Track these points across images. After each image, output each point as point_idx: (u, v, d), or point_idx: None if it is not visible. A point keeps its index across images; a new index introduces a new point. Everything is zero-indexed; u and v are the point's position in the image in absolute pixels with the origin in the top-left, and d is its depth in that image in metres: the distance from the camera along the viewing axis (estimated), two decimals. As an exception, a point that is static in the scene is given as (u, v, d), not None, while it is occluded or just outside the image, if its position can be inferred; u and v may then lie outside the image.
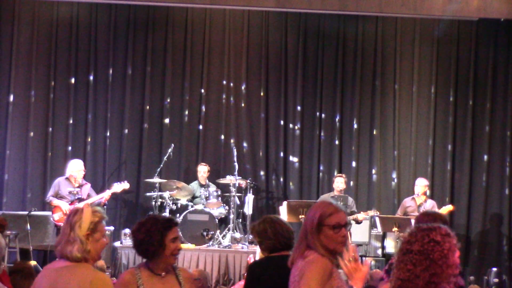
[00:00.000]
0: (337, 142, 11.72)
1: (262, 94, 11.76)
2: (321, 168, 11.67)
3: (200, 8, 11.55)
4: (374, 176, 11.66)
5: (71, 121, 11.48)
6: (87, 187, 9.72)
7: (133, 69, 11.61)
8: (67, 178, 9.63)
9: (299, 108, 11.75)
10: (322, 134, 11.75)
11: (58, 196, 9.51)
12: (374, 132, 11.73)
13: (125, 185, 9.92)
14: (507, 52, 11.72)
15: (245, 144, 11.70)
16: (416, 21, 11.69)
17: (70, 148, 11.42)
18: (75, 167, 9.68)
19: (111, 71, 11.56)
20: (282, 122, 11.75)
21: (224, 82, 11.74)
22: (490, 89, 11.71)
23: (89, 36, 11.55)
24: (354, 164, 11.69)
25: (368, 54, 11.82)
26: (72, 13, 11.51)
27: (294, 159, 11.70)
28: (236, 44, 11.79)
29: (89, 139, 11.50)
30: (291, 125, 11.74)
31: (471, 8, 10.83)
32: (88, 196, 9.59)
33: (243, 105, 11.72)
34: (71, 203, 9.33)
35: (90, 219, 3.28)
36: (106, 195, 9.70)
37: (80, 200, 9.39)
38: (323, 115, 11.77)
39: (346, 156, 11.75)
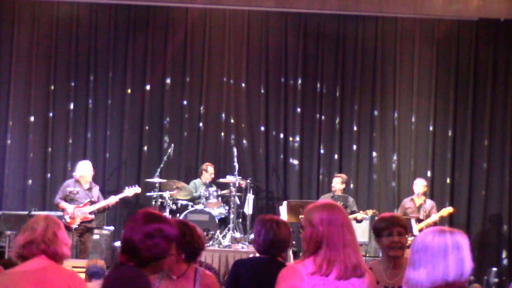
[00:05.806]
0: (337, 149, 11.76)
1: (262, 92, 11.77)
2: (321, 170, 11.69)
3: (200, 8, 11.56)
4: (374, 163, 11.70)
5: (71, 121, 11.49)
6: (96, 190, 9.67)
7: (133, 69, 11.62)
8: (77, 180, 9.47)
9: (298, 109, 11.76)
10: (322, 135, 11.77)
11: (68, 198, 9.33)
12: (374, 134, 11.74)
13: (136, 189, 9.89)
14: (507, 52, 11.72)
15: (244, 142, 11.71)
16: (416, 21, 11.69)
17: (70, 147, 11.43)
18: (87, 168, 9.59)
19: (111, 71, 11.57)
20: (282, 115, 11.76)
21: (224, 81, 11.74)
22: (490, 89, 11.71)
23: (89, 36, 11.56)
24: (353, 163, 11.71)
25: (368, 54, 11.82)
26: (72, 13, 11.52)
27: (294, 161, 11.73)
28: (236, 44, 11.79)
29: (89, 139, 11.50)
30: (290, 138, 11.75)
31: (471, 8, 10.84)
32: (98, 198, 9.56)
33: (243, 104, 11.73)
34: (84, 205, 9.26)
35: None
36: (113, 200, 9.62)
37: (92, 202, 9.37)
38: (323, 117, 11.78)
39: (346, 158, 11.77)
